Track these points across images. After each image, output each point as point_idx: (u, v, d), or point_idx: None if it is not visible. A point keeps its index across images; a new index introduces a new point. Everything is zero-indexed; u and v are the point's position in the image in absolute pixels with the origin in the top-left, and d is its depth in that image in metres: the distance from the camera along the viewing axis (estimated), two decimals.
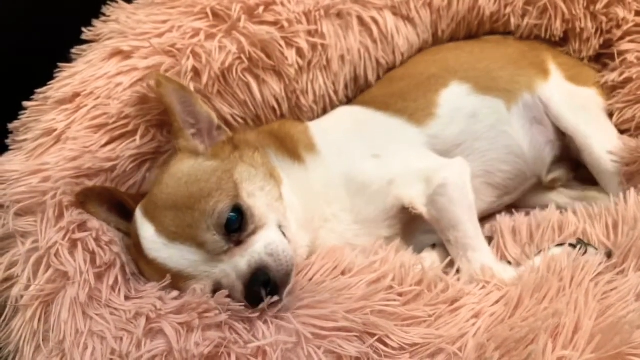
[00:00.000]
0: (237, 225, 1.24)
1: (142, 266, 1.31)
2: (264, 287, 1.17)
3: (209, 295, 1.22)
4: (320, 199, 1.44)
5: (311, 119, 1.71)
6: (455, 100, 1.59)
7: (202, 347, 1.09)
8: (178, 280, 1.25)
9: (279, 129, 1.54)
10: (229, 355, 1.10)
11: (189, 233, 1.22)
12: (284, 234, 1.30)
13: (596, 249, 1.22)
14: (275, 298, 1.18)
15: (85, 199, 1.36)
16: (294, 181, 1.42)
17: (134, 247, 1.33)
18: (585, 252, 1.20)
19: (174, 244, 1.23)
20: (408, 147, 1.51)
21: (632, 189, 1.31)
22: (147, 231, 1.27)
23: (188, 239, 1.22)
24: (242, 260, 1.22)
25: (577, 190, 1.66)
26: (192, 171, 1.32)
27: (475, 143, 1.56)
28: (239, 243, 1.24)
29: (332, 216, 1.43)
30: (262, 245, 1.24)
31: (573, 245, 1.22)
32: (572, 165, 1.69)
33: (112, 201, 1.40)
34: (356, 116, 1.61)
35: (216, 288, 1.25)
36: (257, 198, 1.30)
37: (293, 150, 1.47)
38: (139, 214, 1.31)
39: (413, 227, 1.46)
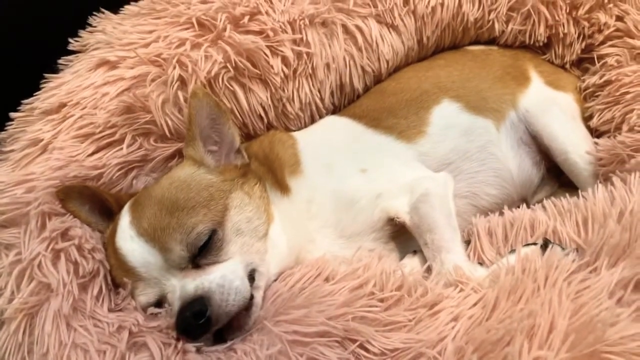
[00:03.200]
0: (203, 249, 1.25)
1: (109, 253, 1.33)
2: (196, 317, 1.17)
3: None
4: (305, 221, 1.44)
5: (298, 126, 1.72)
6: (448, 118, 1.60)
7: None
8: (129, 277, 1.27)
9: (270, 150, 1.54)
10: None
11: (158, 236, 1.23)
12: (253, 277, 1.28)
13: (563, 248, 1.23)
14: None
15: (66, 197, 1.38)
16: (283, 213, 1.42)
17: (110, 235, 1.34)
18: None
19: (140, 239, 1.25)
20: (395, 162, 1.52)
21: (600, 185, 1.32)
22: (124, 220, 1.29)
23: (154, 241, 1.24)
24: (192, 283, 1.22)
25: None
26: (187, 178, 1.34)
27: (464, 163, 1.57)
28: (197, 267, 1.25)
29: (316, 233, 1.43)
30: (218, 275, 1.23)
31: (542, 247, 1.23)
32: (557, 181, 1.70)
33: (94, 200, 1.41)
34: (346, 131, 1.61)
35: (160, 300, 1.27)
36: (238, 233, 1.30)
37: (281, 178, 1.48)
38: (127, 205, 1.34)
39: (400, 239, 1.46)
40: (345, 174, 1.48)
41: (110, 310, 1.27)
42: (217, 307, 1.19)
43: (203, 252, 1.25)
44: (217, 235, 1.26)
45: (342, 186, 1.45)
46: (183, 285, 1.22)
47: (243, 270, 1.27)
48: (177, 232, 1.23)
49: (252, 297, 1.25)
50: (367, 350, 1.09)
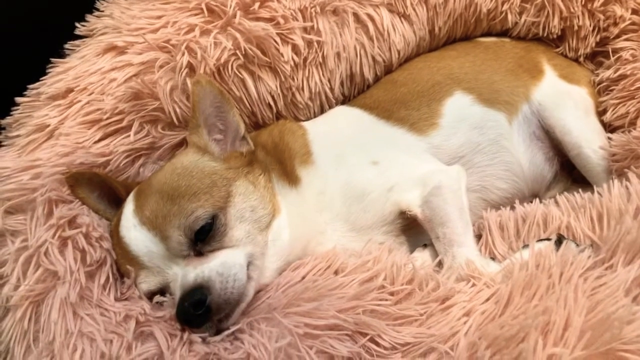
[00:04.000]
0: (205, 236, 1.23)
1: (114, 242, 1.33)
2: (195, 306, 1.15)
3: None
4: (315, 213, 1.42)
5: (307, 115, 1.70)
6: (460, 110, 1.58)
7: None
8: (133, 265, 1.26)
9: (280, 139, 1.52)
10: None
11: (160, 223, 1.22)
12: (248, 269, 1.26)
13: (577, 244, 1.21)
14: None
15: (75, 183, 1.37)
16: (291, 205, 1.40)
17: (115, 223, 1.33)
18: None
19: (142, 228, 1.24)
20: (407, 154, 1.51)
21: (616, 180, 1.31)
22: (128, 208, 1.29)
23: (156, 228, 1.22)
24: (193, 272, 1.21)
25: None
26: (190, 165, 1.32)
27: (476, 156, 1.56)
28: (200, 254, 1.23)
29: (326, 225, 1.42)
30: (218, 262, 1.21)
31: (556, 243, 1.21)
32: (570, 177, 1.68)
33: (103, 188, 1.40)
34: (357, 122, 1.59)
35: (162, 289, 1.25)
36: (242, 221, 1.28)
37: (290, 168, 1.46)
38: (132, 193, 1.33)
39: (410, 232, 1.45)
40: (356, 166, 1.46)
41: (116, 299, 1.26)
42: (217, 295, 1.17)
43: (207, 239, 1.23)
44: (220, 220, 1.25)
45: (353, 179, 1.43)
46: (184, 274, 1.21)
47: (244, 257, 1.25)
48: (176, 218, 1.22)
49: None
50: (377, 344, 1.08)
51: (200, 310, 1.15)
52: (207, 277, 1.19)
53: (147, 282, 1.26)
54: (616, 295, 1.00)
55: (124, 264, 1.29)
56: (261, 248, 1.30)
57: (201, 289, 1.17)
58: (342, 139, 1.53)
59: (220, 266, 1.21)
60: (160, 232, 1.22)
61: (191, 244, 1.23)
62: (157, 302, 1.25)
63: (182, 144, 1.55)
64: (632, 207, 1.18)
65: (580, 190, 1.43)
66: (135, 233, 1.25)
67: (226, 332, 1.17)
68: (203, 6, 1.55)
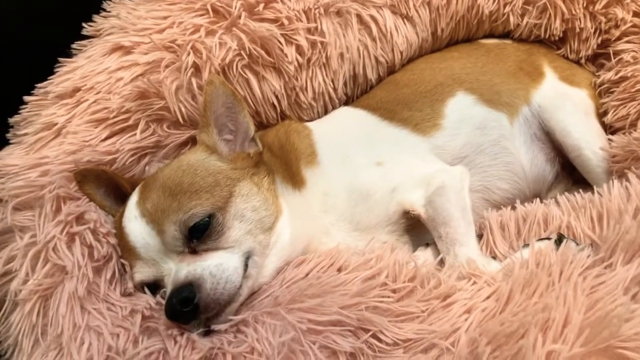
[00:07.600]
0: (200, 235, 1.24)
1: (117, 231, 1.35)
2: (183, 303, 1.16)
3: None
4: (319, 214, 1.43)
5: (311, 115, 1.72)
6: (463, 110, 1.59)
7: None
8: (131, 256, 1.28)
9: (286, 140, 1.54)
10: (224, 355, 1.12)
11: (158, 217, 1.24)
12: (247, 263, 1.27)
13: (577, 243, 1.23)
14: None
15: (83, 179, 1.39)
16: (293, 207, 1.40)
17: (120, 215, 1.35)
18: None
19: (142, 220, 1.26)
20: (411, 155, 1.52)
21: (616, 181, 1.32)
22: (132, 200, 1.31)
23: (154, 222, 1.24)
24: (185, 269, 1.22)
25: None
26: (196, 163, 1.34)
27: (478, 157, 1.57)
28: (195, 252, 1.24)
29: (331, 225, 1.43)
30: (213, 263, 1.22)
31: (556, 242, 1.23)
32: (571, 178, 1.69)
33: (110, 185, 1.42)
34: (361, 123, 1.61)
35: (156, 282, 1.27)
36: (242, 220, 1.29)
37: (296, 169, 1.47)
38: (139, 186, 1.36)
39: (414, 232, 1.46)
40: (361, 167, 1.47)
41: (122, 294, 1.28)
42: (206, 295, 1.18)
43: (203, 237, 1.24)
44: (217, 219, 1.25)
45: (357, 180, 1.44)
46: (177, 270, 1.22)
47: (240, 260, 1.26)
48: (174, 213, 1.23)
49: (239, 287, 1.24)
50: (379, 340, 1.10)
51: (187, 308, 1.16)
52: (199, 276, 1.20)
53: (141, 273, 1.28)
54: (615, 293, 1.01)
55: (123, 254, 1.31)
56: (262, 247, 1.31)
57: (191, 287, 1.18)
58: (346, 140, 1.55)
59: (215, 267, 1.21)
60: (158, 225, 1.24)
61: (186, 241, 1.24)
62: (161, 297, 1.27)
63: (188, 142, 1.58)
64: (632, 207, 1.19)
65: (581, 190, 1.44)
66: (135, 224, 1.27)
67: (230, 323, 1.19)
68: (208, 7, 1.57)
